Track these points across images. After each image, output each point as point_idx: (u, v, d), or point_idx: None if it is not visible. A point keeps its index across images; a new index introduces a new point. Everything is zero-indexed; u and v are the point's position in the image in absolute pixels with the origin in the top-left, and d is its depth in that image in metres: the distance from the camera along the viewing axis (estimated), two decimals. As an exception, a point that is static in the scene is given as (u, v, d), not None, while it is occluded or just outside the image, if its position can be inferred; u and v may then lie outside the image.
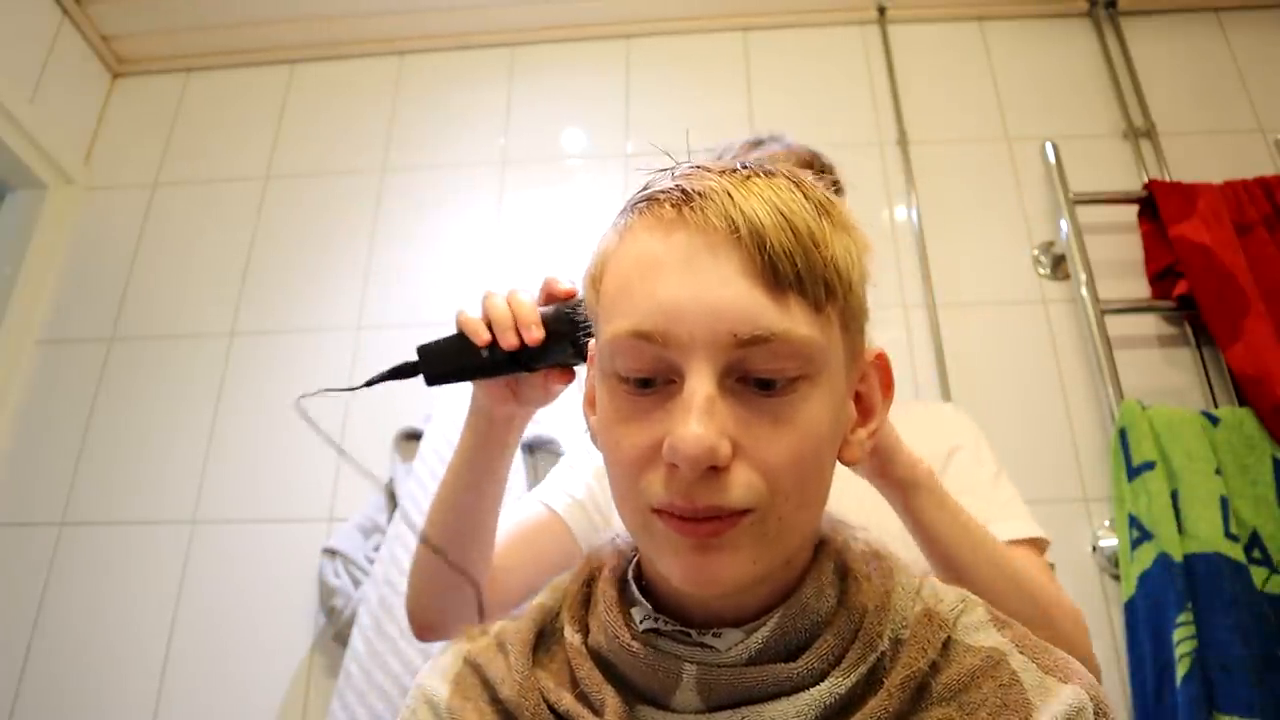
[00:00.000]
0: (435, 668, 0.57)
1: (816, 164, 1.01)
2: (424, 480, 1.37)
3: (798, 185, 0.49)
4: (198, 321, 1.70)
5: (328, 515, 1.51)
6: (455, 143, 1.82)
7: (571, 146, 1.81)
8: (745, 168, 0.49)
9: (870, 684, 0.47)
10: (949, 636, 0.49)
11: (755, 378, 0.45)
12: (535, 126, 1.83)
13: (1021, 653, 0.48)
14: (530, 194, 1.75)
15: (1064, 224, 1.55)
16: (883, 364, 0.54)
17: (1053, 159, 1.60)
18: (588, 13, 1.88)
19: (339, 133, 1.85)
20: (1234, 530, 1.26)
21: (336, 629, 1.35)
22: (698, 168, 0.50)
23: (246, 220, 1.78)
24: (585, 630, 0.54)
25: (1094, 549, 1.39)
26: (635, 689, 0.50)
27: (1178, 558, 1.23)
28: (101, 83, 1.92)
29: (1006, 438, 1.48)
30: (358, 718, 1.21)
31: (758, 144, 1.04)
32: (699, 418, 0.43)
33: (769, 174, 0.49)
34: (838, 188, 0.92)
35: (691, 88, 1.83)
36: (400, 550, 1.31)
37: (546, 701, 0.51)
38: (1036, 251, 1.62)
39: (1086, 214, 1.57)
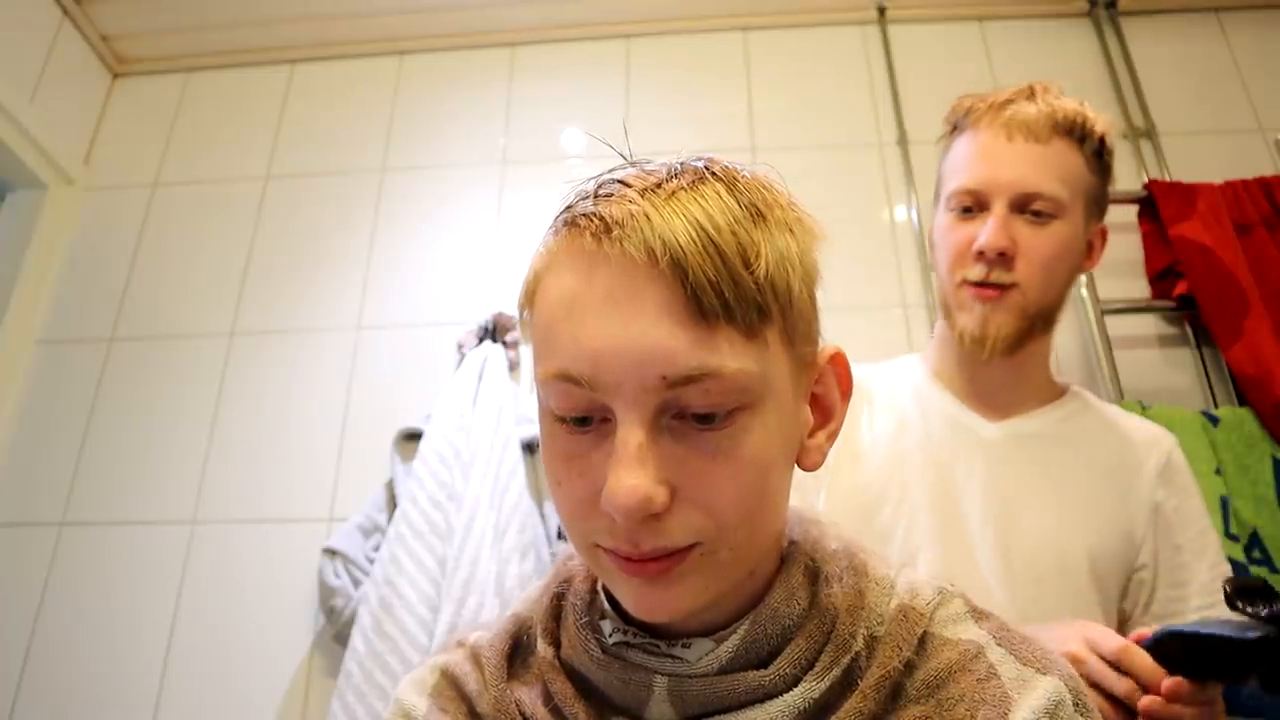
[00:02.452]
0: (413, 681, 0.56)
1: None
2: (424, 480, 1.37)
3: (730, 188, 0.46)
4: (198, 321, 1.70)
5: (328, 515, 1.51)
6: (455, 143, 1.82)
7: (571, 146, 1.81)
8: (673, 178, 0.46)
9: (845, 686, 0.47)
10: (925, 631, 0.49)
11: (693, 413, 0.43)
12: (535, 126, 1.83)
13: (1000, 645, 0.48)
14: (530, 194, 1.76)
15: (1064, 224, 1.55)
16: (839, 364, 0.52)
17: (1053, 159, 1.60)
18: (588, 13, 1.88)
19: (339, 133, 1.86)
20: (1234, 530, 1.26)
21: (336, 629, 1.35)
22: (620, 183, 0.47)
23: (246, 220, 1.78)
24: (557, 644, 0.53)
25: (1094, 549, 1.39)
26: (609, 702, 0.50)
27: (1178, 558, 1.23)
28: (101, 83, 1.92)
29: (1006, 438, 1.49)
30: (358, 718, 1.21)
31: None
32: (629, 469, 0.42)
33: (697, 182, 0.46)
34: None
35: (691, 88, 1.83)
36: (400, 550, 1.31)
37: (523, 714, 0.51)
38: (1036, 251, 1.62)
39: (1086, 214, 1.57)
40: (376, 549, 1.39)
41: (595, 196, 0.47)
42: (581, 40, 1.90)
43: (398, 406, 1.55)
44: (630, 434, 0.42)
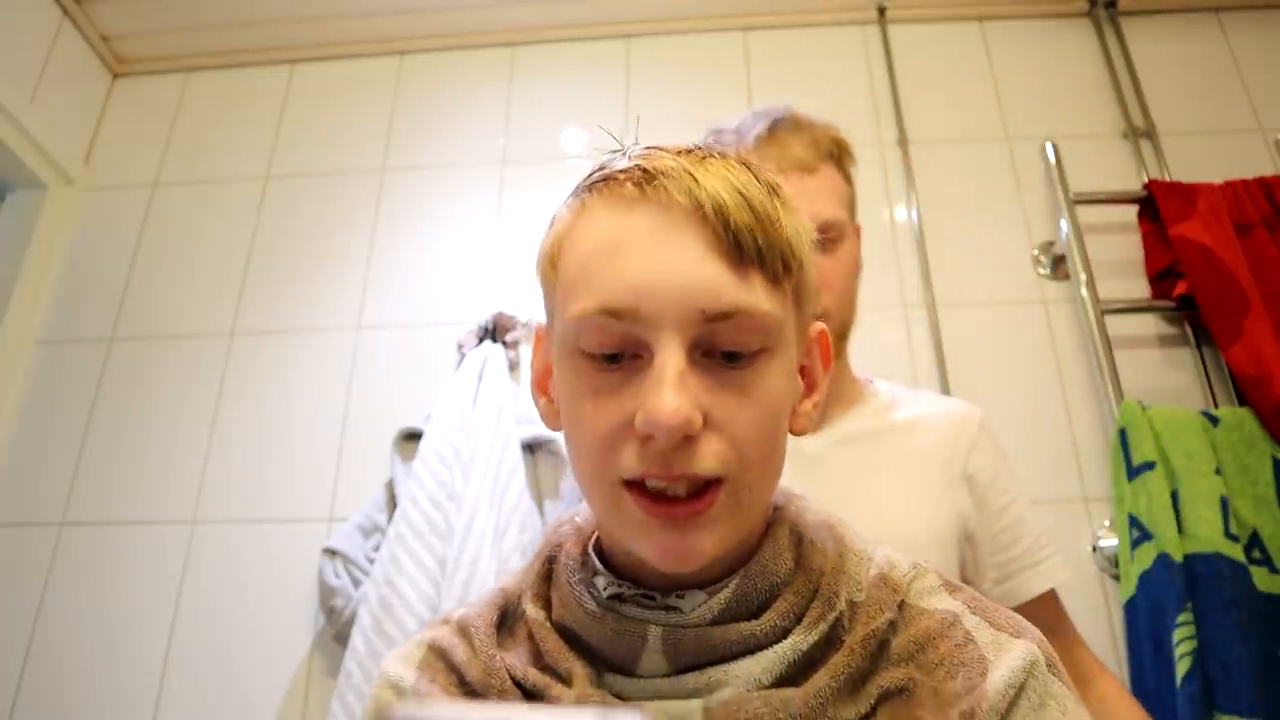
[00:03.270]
0: (399, 656, 0.56)
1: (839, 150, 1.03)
2: (424, 480, 1.37)
3: (748, 166, 0.50)
4: (198, 321, 1.70)
5: (328, 515, 1.51)
6: (455, 143, 1.82)
7: (571, 146, 1.81)
8: (699, 149, 0.51)
9: (830, 642, 0.49)
10: (903, 600, 0.51)
11: (721, 351, 0.47)
12: (535, 126, 1.83)
13: (974, 614, 0.50)
14: (530, 194, 1.75)
15: (1064, 224, 1.55)
16: (823, 339, 0.56)
17: (1053, 159, 1.60)
18: (588, 12, 1.88)
19: (339, 133, 1.85)
20: (1234, 530, 1.26)
21: (336, 629, 1.35)
22: (652, 148, 0.51)
23: (246, 220, 1.78)
24: (549, 607, 0.54)
25: (1094, 549, 1.39)
26: (601, 658, 0.51)
27: (1178, 558, 1.23)
28: (101, 83, 1.92)
29: (1007, 438, 1.48)
30: (357, 717, 1.21)
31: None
32: (673, 389, 0.44)
33: (722, 155, 0.50)
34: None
35: (691, 88, 1.83)
36: (400, 550, 1.31)
37: (513, 678, 0.51)
38: (1036, 251, 1.62)
39: (1086, 214, 1.57)
40: (376, 549, 1.39)
41: (628, 157, 0.51)
42: (581, 40, 1.90)
43: (398, 406, 1.55)
44: (671, 360, 0.45)
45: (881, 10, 1.85)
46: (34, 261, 1.72)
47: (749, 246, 0.46)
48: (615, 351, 0.47)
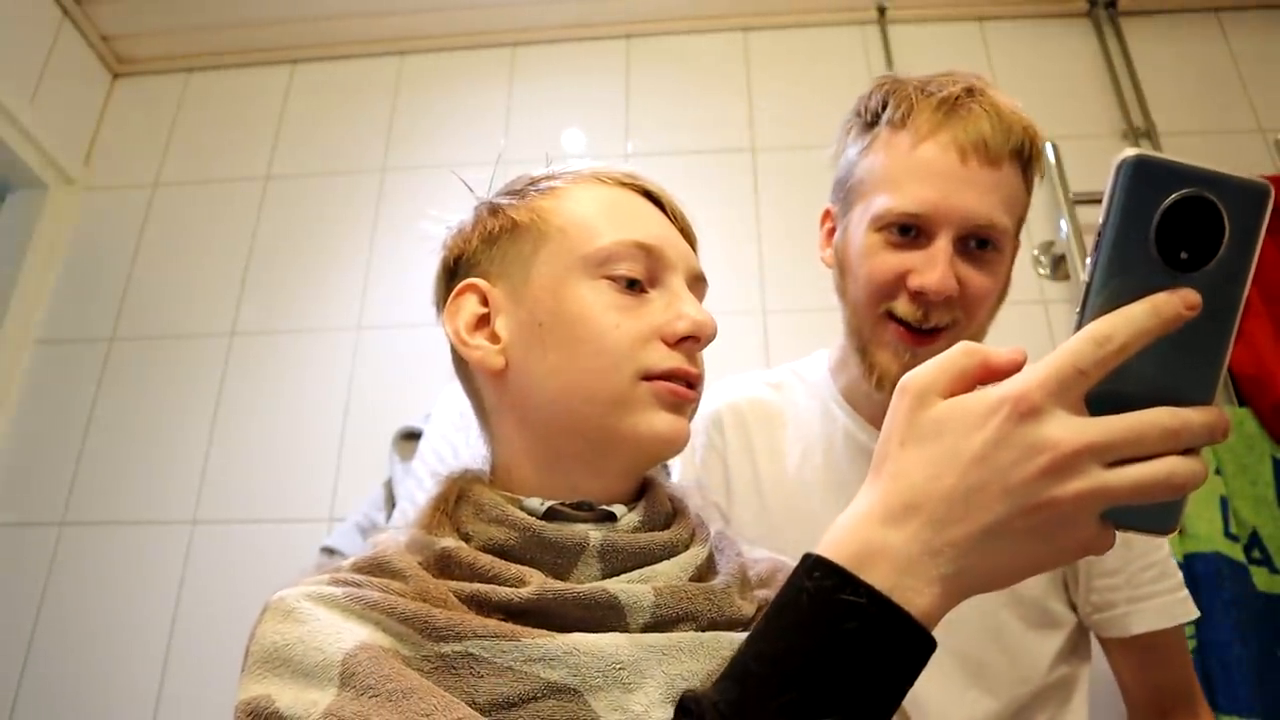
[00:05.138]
0: (303, 594, 0.51)
1: None
2: (423, 479, 1.37)
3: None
4: (198, 321, 1.70)
5: (327, 515, 1.51)
6: (455, 143, 1.82)
7: (571, 146, 1.81)
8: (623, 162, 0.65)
9: (711, 560, 0.59)
10: (740, 551, 0.62)
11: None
12: (535, 126, 1.83)
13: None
14: (530, 194, 1.75)
15: (1064, 224, 1.55)
16: None
17: (1052, 159, 1.60)
18: (588, 13, 1.88)
19: (339, 133, 1.85)
20: (1234, 530, 1.26)
21: (336, 629, 1.35)
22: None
23: (246, 220, 1.78)
24: (465, 538, 0.56)
25: (1094, 549, 1.39)
26: (537, 569, 0.53)
27: (1177, 557, 1.23)
28: (101, 83, 1.92)
29: (1006, 438, 1.49)
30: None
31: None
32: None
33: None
34: None
35: (691, 88, 1.83)
36: (400, 550, 1.31)
37: (456, 595, 0.50)
38: (1036, 251, 1.62)
39: (1087, 214, 1.57)
40: (376, 549, 1.39)
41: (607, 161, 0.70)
42: (581, 40, 1.90)
43: (398, 406, 1.55)
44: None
45: (881, 10, 1.85)
46: (34, 261, 1.72)
47: (678, 216, 0.66)
48: (638, 278, 0.58)
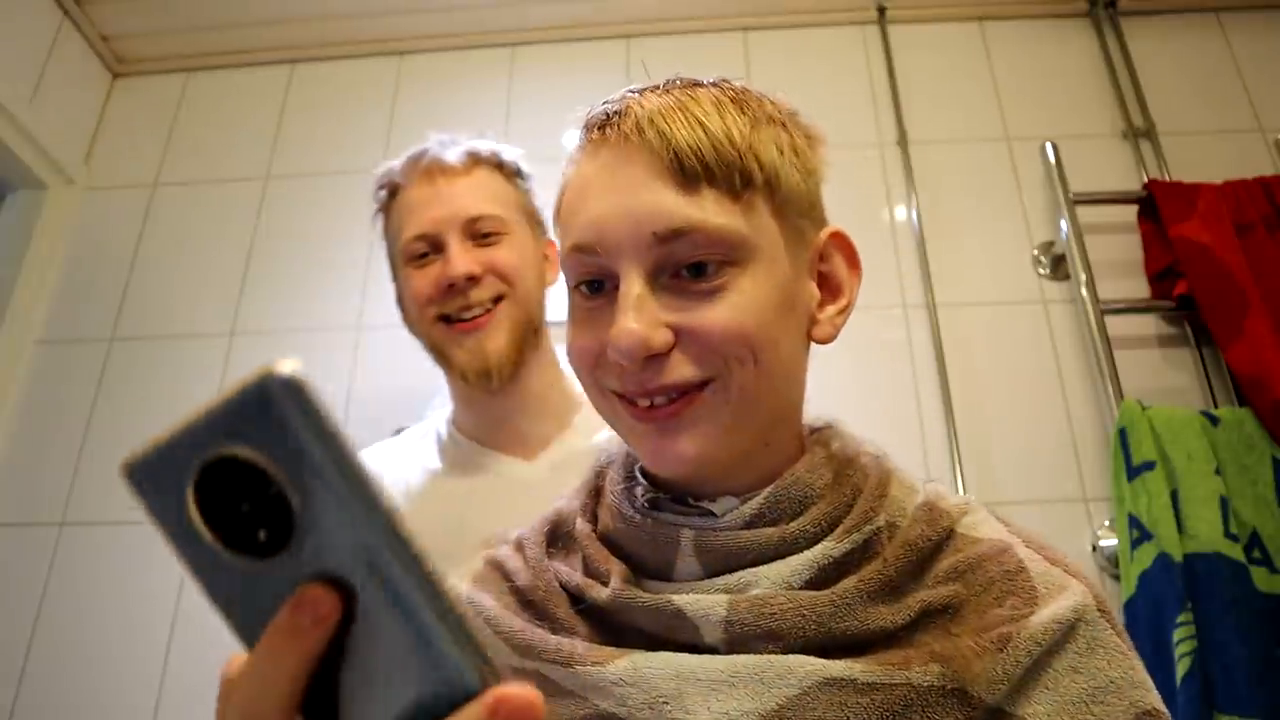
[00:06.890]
0: (465, 572, 0.60)
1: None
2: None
3: (719, 86, 0.53)
4: (198, 321, 1.70)
5: (328, 515, 1.50)
6: (455, 143, 1.82)
7: (571, 147, 1.81)
8: (677, 82, 0.54)
9: (866, 553, 0.50)
10: (952, 528, 0.52)
11: (685, 266, 0.48)
12: (535, 126, 1.83)
13: (1027, 546, 0.51)
14: (530, 194, 1.76)
15: (1064, 224, 1.55)
16: (840, 241, 0.57)
17: (1053, 159, 1.60)
18: (588, 13, 1.87)
19: (339, 133, 1.85)
20: (1234, 530, 1.26)
21: (336, 629, 1.35)
22: (630, 91, 0.55)
23: (246, 220, 1.78)
24: (595, 521, 0.57)
25: (1094, 549, 1.39)
26: (640, 564, 0.53)
27: (1178, 558, 1.23)
28: (101, 83, 1.92)
29: (1007, 438, 1.49)
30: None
31: None
32: (627, 315, 0.47)
33: (692, 84, 0.53)
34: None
35: (691, 88, 1.83)
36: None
37: (560, 583, 0.54)
38: (1036, 251, 1.62)
39: (1086, 214, 1.57)
40: (376, 549, 1.39)
41: (605, 104, 0.55)
42: (581, 40, 1.90)
43: (398, 406, 1.55)
44: (630, 286, 0.48)
45: (881, 10, 1.85)
46: (34, 261, 1.72)
47: (693, 166, 0.48)
48: (594, 279, 0.51)
